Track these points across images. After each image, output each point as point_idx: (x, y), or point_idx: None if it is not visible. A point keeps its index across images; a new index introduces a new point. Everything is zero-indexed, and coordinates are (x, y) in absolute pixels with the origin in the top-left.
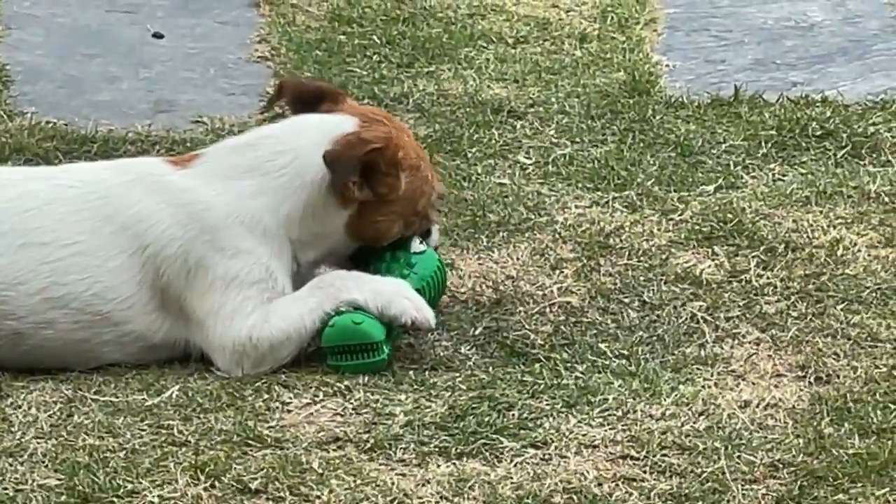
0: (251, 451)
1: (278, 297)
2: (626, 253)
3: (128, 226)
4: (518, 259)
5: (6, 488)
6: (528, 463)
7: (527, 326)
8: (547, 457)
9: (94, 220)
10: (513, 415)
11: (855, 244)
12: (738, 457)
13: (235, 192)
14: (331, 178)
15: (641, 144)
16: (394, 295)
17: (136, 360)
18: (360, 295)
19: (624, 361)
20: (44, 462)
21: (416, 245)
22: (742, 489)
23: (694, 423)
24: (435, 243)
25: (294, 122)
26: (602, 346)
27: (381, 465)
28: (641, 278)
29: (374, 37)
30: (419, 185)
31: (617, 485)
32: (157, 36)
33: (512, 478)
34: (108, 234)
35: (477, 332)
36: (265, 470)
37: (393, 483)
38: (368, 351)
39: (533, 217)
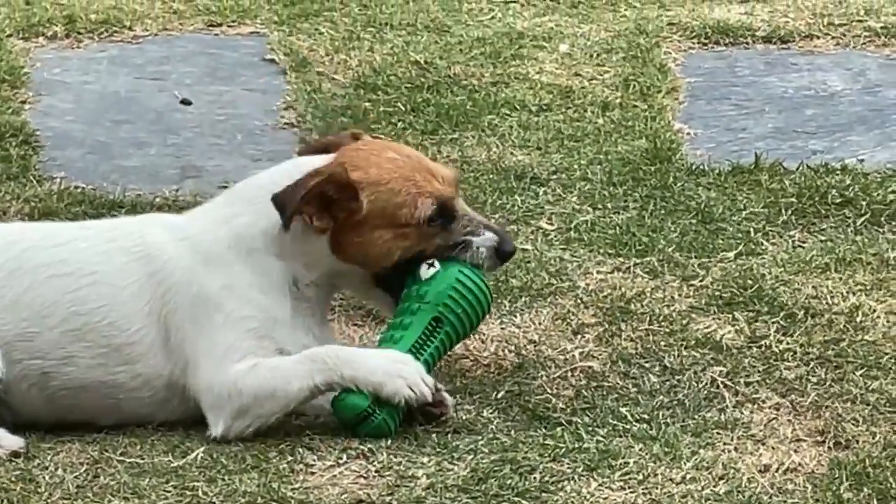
0: None
1: (271, 344)
2: (648, 318)
3: (141, 254)
4: (540, 324)
5: None
6: None
7: (549, 390)
8: None
9: (112, 252)
10: (534, 478)
11: (874, 311)
12: None
13: (221, 218)
14: (280, 217)
15: (663, 211)
16: (385, 376)
17: (148, 414)
18: (351, 375)
19: (645, 426)
20: None
21: (425, 271)
22: None
23: (714, 486)
24: (481, 259)
25: (283, 163)
26: (623, 410)
27: None
28: (662, 343)
29: (399, 104)
30: (387, 198)
31: None
32: (185, 102)
33: None
34: (123, 263)
35: (499, 396)
36: None
37: None
38: (363, 420)
39: (555, 282)
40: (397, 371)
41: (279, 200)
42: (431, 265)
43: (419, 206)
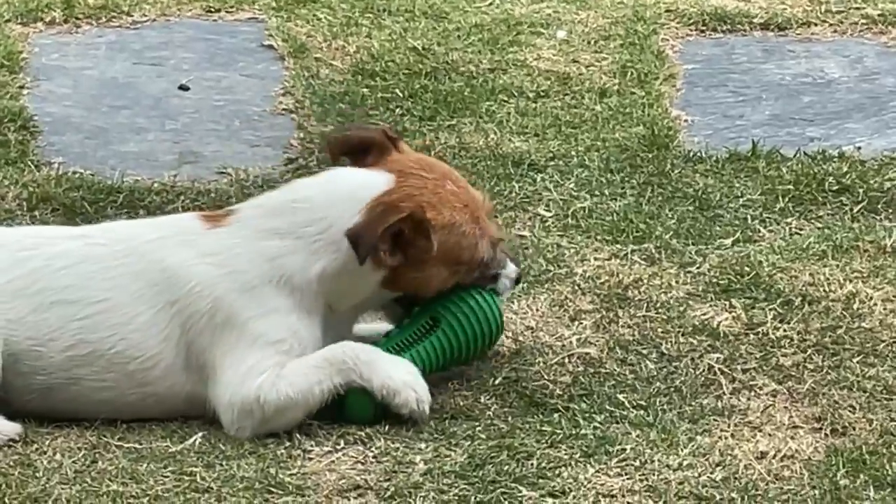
0: (273, 497)
1: (295, 358)
2: (645, 305)
3: (156, 282)
4: (537, 310)
5: None
6: None
7: (546, 377)
8: None
9: (123, 277)
10: (532, 464)
11: (871, 298)
12: None
13: (269, 253)
14: (356, 253)
15: (660, 198)
16: (401, 384)
17: (160, 417)
18: (369, 377)
19: (642, 412)
20: None
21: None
22: None
23: (711, 473)
24: (505, 290)
25: (329, 183)
26: (620, 396)
27: None
28: (659, 330)
29: (397, 90)
30: (457, 241)
31: None
32: (183, 88)
33: None
34: (135, 290)
35: (496, 382)
36: None
37: None
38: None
39: (552, 269)
40: (412, 383)
41: (356, 238)
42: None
43: (480, 249)
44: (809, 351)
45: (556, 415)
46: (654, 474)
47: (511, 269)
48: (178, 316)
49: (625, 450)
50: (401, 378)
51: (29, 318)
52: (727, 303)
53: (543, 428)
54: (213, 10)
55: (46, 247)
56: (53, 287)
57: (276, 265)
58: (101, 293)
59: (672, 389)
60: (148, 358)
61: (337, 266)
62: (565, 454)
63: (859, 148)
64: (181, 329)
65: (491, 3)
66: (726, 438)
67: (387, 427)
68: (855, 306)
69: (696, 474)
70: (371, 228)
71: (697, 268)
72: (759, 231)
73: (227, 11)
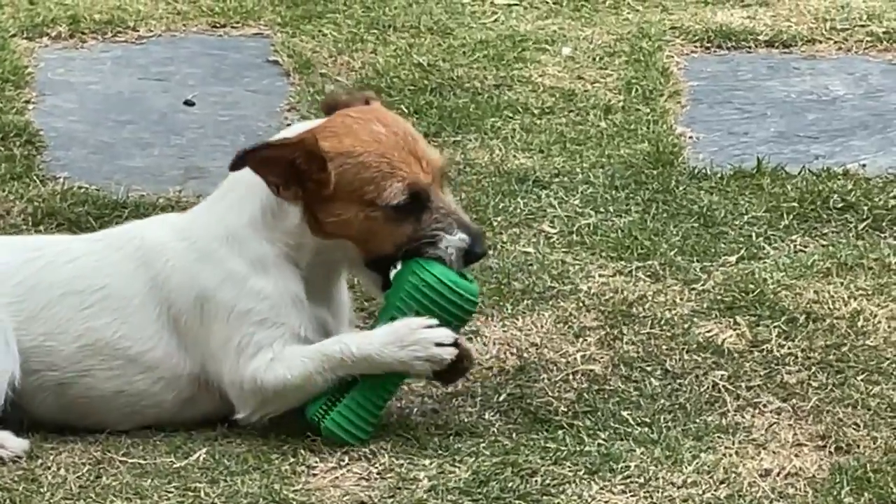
0: None
1: (284, 329)
2: (649, 322)
3: (143, 259)
4: (542, 327)
5: None
6: None
7: (550, 394)
8: None
9: (119, 263)
10: (536, 481)
11: (875, 316)
12: None
13: (217, 215)
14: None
15: (665, 215)
16: (402, 365)
17: (172, 415)
18: (368, 370)
19: (646, 429)
20: None
21: (391, 273)
22: None
23: (715, 491)
24: (449, 258)
25: None
26: (624, 413)
27: None
28: (664, 347)
29: (402, 106)
30: (356, 172)
31: None
32: (189, 103)
33: None
34: (130, 273)
35: (501, 399)
36: None
37: None
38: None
39: (557, 285)
40: (412, 354)
41: (242, 155)
42: (395, 266)
43: (388, 188)
44: (814, 368)
45: (560, 432)
46: (658, 492)
47: (457, 238)
48: (162, 292)
49: (629, 467)
50: (398, 360)
51: (41, 313)
52: (731, 320)
53: (548, 445)
54: (218, 25)
55: (53, 246)
56: (61, 280)
57: (223, 225)
58: (101, 279)
59: (676, 407)
60: (147, 339)
61: (258, 208)
62: (569, 471)
63: (864, 165)
64: (168, 306)
65: (496, 20)
66: (730, 456)
67: (391, 443)
68: (859, 324)
69: (700, 492)
70: (256, 151)
71: (702, 285)
72: (764, 248)
73: (232, 27)
